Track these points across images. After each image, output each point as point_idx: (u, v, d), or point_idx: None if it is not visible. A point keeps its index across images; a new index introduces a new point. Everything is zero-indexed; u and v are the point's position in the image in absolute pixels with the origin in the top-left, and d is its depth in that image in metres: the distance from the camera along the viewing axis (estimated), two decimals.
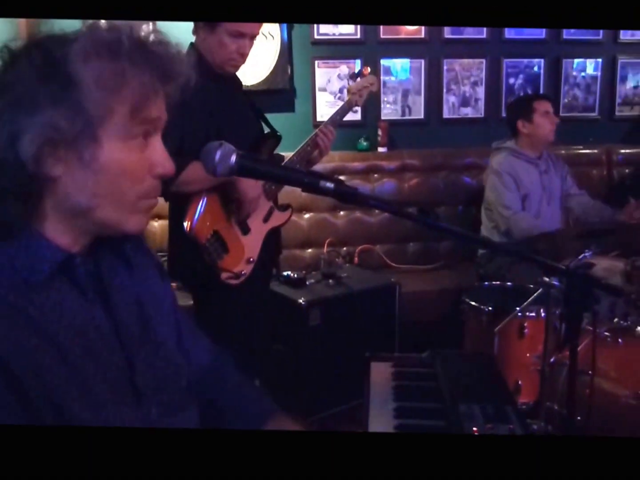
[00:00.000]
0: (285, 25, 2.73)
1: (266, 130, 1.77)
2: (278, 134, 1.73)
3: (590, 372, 1.45)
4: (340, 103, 2.79)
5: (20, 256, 0.59)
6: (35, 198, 0.59)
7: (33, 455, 0.54)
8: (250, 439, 0.62)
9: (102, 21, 0.59)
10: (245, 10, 0.82)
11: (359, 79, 1.90)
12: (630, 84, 3.17)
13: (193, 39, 1.60)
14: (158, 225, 2.62)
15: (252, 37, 1.57)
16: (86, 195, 0.60)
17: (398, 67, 2.92)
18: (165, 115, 0.64)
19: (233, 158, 0.69)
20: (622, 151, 3.06)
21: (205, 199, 1.54)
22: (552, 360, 1.63)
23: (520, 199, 2.30)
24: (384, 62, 2.88)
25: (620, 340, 1.66)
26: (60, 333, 0.59)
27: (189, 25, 1.60)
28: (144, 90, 0.59)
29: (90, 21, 0.59)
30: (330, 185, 0.73)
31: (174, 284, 2.41)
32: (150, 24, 0.62)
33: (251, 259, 1.61)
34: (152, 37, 0.60)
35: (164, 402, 0.68)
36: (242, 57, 1.58)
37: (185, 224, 1.50)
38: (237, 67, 1.62)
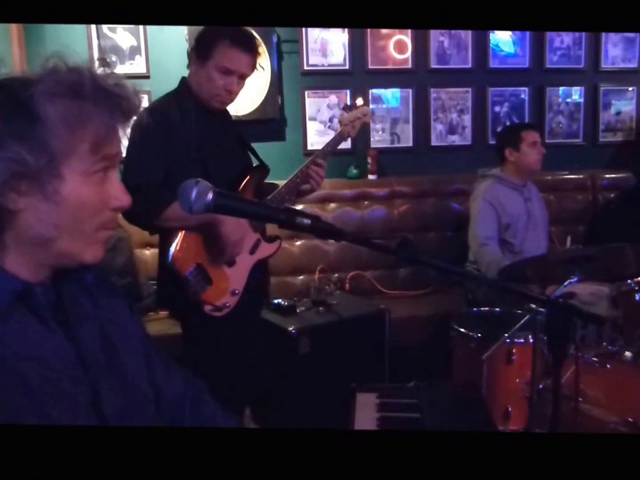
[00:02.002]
0: (275, 56, 2.80)
1: (254, 162, 1.79)
2: (266, 166, 1.75)
3: (577, 398, 1.45)
4: (330, 132, 2.87)
5: None
6: None
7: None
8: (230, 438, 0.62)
9: (64, 64, 0.62)
10: (237, 14, 0.85)
11: (351, 111, 1.90)
12: (613, 110, 3.26)
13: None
14: (150, 254, 2.63)
15: (241, 77, 1.59)
16: (47, 227, 0.62)
17: (389, 95, 2.99)
18: (122, 150, 0.68)
19: (209, 196, 0.70)
20: (607, 176, 3.12)
21: (189, 231, 1.54)
22: (540, 386, 1.62)
23: (496, 231, 2.31)
24: (373, 90, 2.96)
25: (608, 365, 1.66)
26: (21, 363, 0.60)
27: (184, 59, 1.64)
28: (104, 128, 0.62)
29: (51, 64, 0.62)
30: (307, 221, 0.74)
31: (163, 313, 2.43)
32: (105, 68, 0.65)
33: (236, 291, 1.61)
34: (110, 79, 0.64)
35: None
36: (229, 94, 1.60)
37: (168, 256, 1.50)
38: (223, 104, 1.64)
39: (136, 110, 0.66)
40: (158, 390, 0.79)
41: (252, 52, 1.59)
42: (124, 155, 1.80)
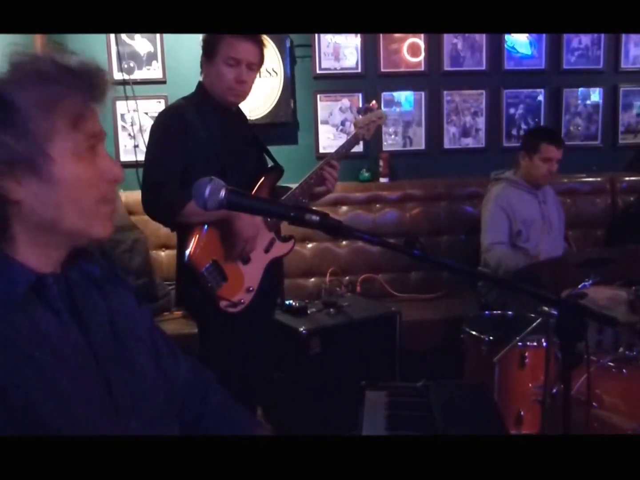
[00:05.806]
0: (288, 61, 2.83)
1: (269, 163, 1.81)
2: (280, 167, 1.77)
3: (589, 403, 1.42)
4: (342, 135, 2.88)
5: None
6: (3, 223, 0.64)
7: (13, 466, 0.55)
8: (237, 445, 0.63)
9: (26, 56, 0.66)
10: (254, 22, 0.87)
11: (366, 114, 1.90)
12: (634, 111, 3.19)
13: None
14: (165, 255, 2.68)
15: (249, 66, 1.60)
16: (50, 209, 0.65)
17: (401, 98, 2.99)
18: (103, 128, 0.70)
19: (222, 193, 0.73)
20: (626, 179, 3.06)
21: (206, 229, 1.58)
22: (554, 391, 1.60)
23: (507, 235, 2.29)
24: (385, 94, 2.97)
25: (624, 370, 1.63)
26: (38, 351, 0.62)
27: (199, 65, 1.68)
28: (78, 106, 0.66)
29: (14, 59, 0.65)
30: (315, 217, 0.76)
31: (178, 312, 2.47)
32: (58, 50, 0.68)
33: (251, 288, 1.63)
34: (73, 60, 0.67)
35: (143, 416, 0.71)
36: (242, 85, 1.60)
37: (185, 253, 1.54)
38: (238, 97, 1.64)
39: (105, 85, 0.68)
40: (167, 377, 0.80)
41: (255, 40, 1.61)
42: (142, 157, 1.84)
